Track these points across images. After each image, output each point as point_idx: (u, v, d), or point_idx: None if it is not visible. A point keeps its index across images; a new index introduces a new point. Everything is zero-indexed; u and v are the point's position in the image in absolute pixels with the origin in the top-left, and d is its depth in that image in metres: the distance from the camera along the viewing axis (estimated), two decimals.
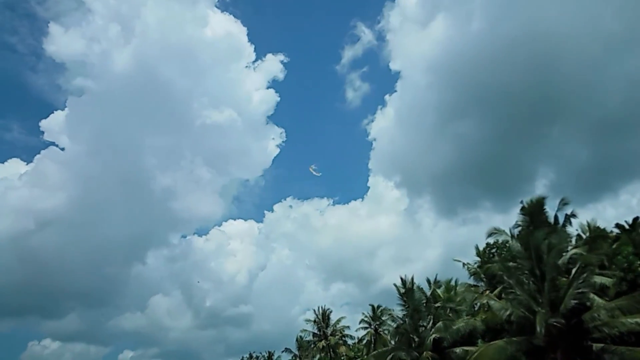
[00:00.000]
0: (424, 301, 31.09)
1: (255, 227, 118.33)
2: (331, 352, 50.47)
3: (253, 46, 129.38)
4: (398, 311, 31.53)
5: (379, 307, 46.17)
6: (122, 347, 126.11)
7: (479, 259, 35.94)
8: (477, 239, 46.17)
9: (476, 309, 29.99)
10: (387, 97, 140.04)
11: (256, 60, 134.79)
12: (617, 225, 30.17)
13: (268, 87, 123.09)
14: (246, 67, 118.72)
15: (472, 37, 77.75)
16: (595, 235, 28.39)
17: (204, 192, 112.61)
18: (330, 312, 53.73)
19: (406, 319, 30.56)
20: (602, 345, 19.83)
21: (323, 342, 50.96)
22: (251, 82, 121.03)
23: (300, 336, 54.25)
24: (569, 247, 22.86)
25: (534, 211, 22.35)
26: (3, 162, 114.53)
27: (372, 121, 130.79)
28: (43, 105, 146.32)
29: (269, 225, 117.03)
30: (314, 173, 63.51)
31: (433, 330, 28.63)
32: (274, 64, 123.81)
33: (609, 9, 64.15)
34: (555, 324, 19.44)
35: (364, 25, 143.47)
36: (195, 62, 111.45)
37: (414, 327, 29.96)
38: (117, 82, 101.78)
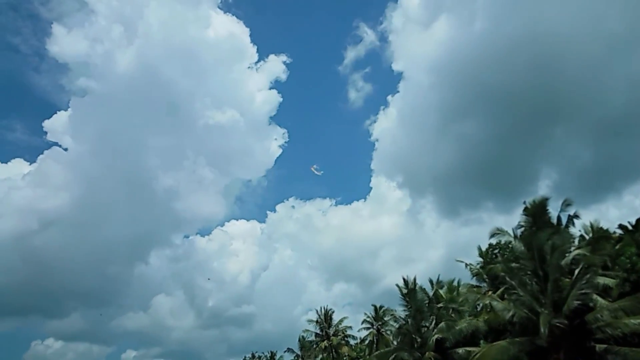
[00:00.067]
0: (427, 302, 31.07)
1: (257, 228, 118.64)
2: (333, 353, 50.47)
3: (255, 47, 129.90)
4: (400, 311, 31.60)
5: (381, 307, 46.09)
6: (125, 347, 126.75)
7: (481, 259, 35.88)
8: (479, 240, 46.26)
9: (479, 309, 29.93)
10: (389, 97, 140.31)
11: (259, 61, 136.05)
12: (620, 226, 30.11)
13: (270, 88, 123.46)
14: (249, 67, 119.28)
15: (475, 38, 77.74)
16: (598, 236, 28.33)
17: (207, 193, 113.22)
18: (333, 312, 53.81)
19: (408, 320, 30.57)
20: (605, 346, 19.80)
21: (325, 342, 50.97)
22: (254, 82, 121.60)
23: (303, 336, 54.27)
24: (572, 248, 22.81)
25: (536, 212, 22.34)
26: (6, 162, 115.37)
27: (375, 122, 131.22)
28: (46, 106, 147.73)
29: (272, 226, 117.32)
30: (316, 172, 63.83)
31: (435, 330, 28.65)
32: (276, 65, 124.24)
33: (612, 9, 64.01)
34: (558, 324, 19.44)
35: (366, 26, 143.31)
36: (197, 63, 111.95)
37: (417, 328, 29.98)
38: (120, 82, 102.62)
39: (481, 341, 27.11)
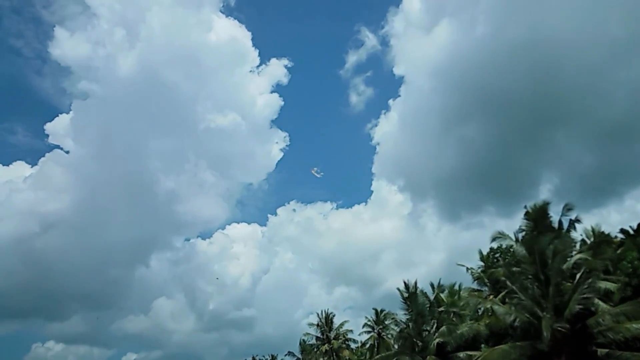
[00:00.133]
0: (428, 305, 31.08)
1: (258, 231, 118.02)
2: (334, 356, 50.35)
3: (257, 51, 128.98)
4: (401, 315, 31.61)
5: (382, 311, 46.01)
6: (126, 350, 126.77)
7: (482, 263, 35.90)
8: (480, 244, 46.07)
9: (480, 313, 29.94)
10: (390, 101, 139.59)
11: (260, 64, 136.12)
12: (622, 231, 30.07)
13: (272, 92, 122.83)
14: (250, 71, 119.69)
15: (477, 42, 77.86)
16: (600, 240, 28.34)
17: (208, 196, 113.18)
18: (334, 315, 53.66)
19: (410, 323, 30.56)
20: (606, 350, 19.79)
21: (326, 345, 50.84)
22: (255, 86, 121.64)
23: (304, 340, 54.13)
24: (574, 252, 22.82)
25: (538, 216, 22.40)
26: (8, 165, 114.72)
27: (376, 125, 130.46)
28: (48, 109, 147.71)
29: (273, 229, 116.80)
30: (316, 174, 64.15)
31: (437, 334, 28.61)
32: (278, 69, 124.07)
33: (614, 14, 63.97)
34: (559, 329, 19.44)
35: (368, 30, 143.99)
36: (199, 67, 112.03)
37: (418, 332, 29.96)
38: (122, 85, 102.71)
39: (482, 345, 27.10)
